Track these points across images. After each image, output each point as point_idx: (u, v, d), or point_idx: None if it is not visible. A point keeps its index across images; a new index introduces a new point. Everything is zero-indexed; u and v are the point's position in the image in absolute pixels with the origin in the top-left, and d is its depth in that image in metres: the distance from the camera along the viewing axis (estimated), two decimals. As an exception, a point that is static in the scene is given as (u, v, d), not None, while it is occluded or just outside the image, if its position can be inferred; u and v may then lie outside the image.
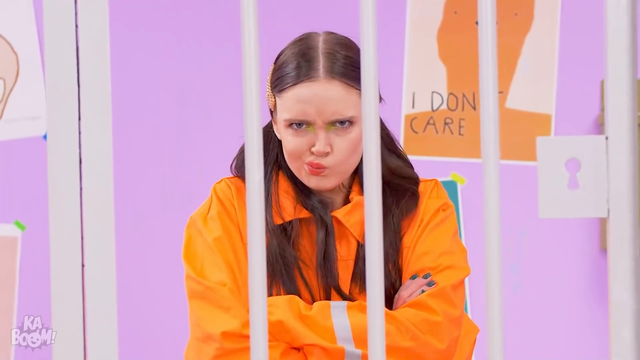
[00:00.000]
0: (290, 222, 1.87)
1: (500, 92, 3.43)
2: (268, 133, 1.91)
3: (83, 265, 1.10)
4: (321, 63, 1.80)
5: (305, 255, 1.87)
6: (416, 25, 3.46)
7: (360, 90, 1.79)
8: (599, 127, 3.42)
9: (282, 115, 1.82)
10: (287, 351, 1.80)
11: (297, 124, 1.81)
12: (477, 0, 1.09)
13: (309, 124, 1.81)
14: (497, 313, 1.09)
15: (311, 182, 1.84)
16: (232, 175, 1.93)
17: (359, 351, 1.78)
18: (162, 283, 3.41)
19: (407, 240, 1.89)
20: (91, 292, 1.10)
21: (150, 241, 3.43)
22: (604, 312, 3.41)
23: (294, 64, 1.82)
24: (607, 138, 1.12)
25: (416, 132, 3.46)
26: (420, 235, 1.89)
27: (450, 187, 3.43)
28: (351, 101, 1.80)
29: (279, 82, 1.83)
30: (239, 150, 1.93)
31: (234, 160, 1.93)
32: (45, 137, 3.38)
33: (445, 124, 3.46)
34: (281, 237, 1.87)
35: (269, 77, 1.87)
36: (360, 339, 1.78)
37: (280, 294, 1.85)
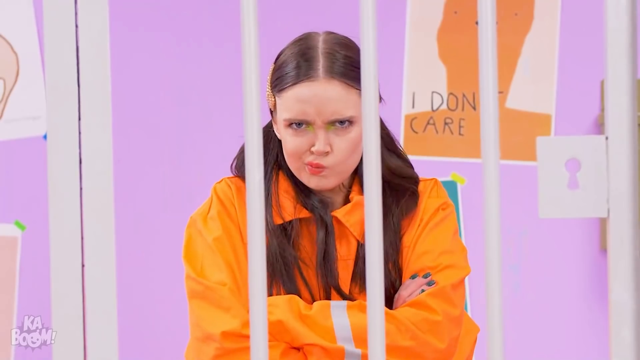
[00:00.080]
0: (290, 222, 1.87)
1: (500, 92, 3.42)
2: (268, 133, 1.91)
3: (83, 265, 1.10)
4: (321, 63, 1.80)
5: (305, 255, 1.87)
6: (416, 25, 3.46)
7: (360, 90, 1.79)
8: (599, 127, 3.42)
9: (282, 115, 1.83)
10: (287, 351, 1.80)
11: (297, 124, 1.81)
12: (477, 0, 1.09)
13: (308, 123, 1.81)
14: (497, 313, 1.09)
15: (311, 182, 1.84)
16: (232, 175, 1.93)
17: (359, 351, 1.78)
18: (162, 283, 3.41)
19: (407, 239, 1.89)
20: (91, 292, 1.10)
21: (150, 241, 3.43)
22: (604, 312, 3.41)
23: (294, 64, 1.82)
24: (607, 138, 1.12)
25: (416, 132, 3.46)
26: (420, 234, 1.89)
27: (450, 187, 3.43)
28: (351, 101, 1.80)
29: (278, 82, 1.83)
30: (239, 150, 1.93)
31: (234, 160, 1.93)
32: (45, 137, 3.38)
33: (445, 124, 3.46)
34: (281, 237, 1.87)
35: (269, 77, 1.87)
36: (360, 338, 1.78)
37: (280, 294, 1.85)
